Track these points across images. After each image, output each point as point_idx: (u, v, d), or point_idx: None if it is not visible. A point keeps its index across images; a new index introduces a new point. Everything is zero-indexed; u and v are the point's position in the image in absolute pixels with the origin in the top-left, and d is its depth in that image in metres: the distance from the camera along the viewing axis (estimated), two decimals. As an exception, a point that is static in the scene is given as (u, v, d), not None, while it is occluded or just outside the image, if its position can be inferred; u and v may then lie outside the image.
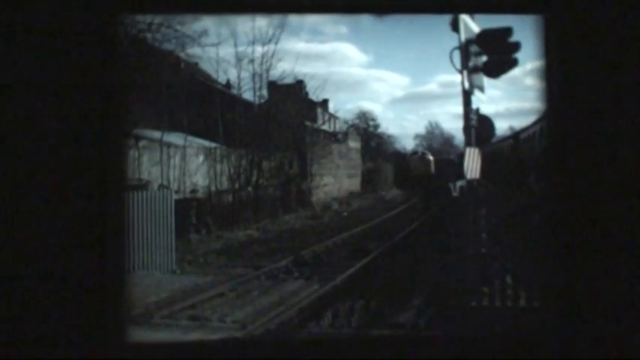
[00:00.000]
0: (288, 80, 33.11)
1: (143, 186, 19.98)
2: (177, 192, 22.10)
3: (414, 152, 51.36)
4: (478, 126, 14.36)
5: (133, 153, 21.46)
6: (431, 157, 48.69)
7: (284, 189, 31.08)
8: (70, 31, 2.21)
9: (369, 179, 47.84)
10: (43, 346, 2.19)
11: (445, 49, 14.18)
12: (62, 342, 2.19)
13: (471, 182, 13.30)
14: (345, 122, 52.89)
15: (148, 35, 23.77)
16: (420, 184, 41.20)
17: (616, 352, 2.28)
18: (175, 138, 25.54)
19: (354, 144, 46.76)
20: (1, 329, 2.18)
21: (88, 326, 2.21)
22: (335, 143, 41.63)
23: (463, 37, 13.54)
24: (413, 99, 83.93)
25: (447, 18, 13.67)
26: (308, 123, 36.29)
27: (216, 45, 37.62)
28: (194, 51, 28.87)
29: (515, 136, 30.13)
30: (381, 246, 19.11)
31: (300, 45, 59.90)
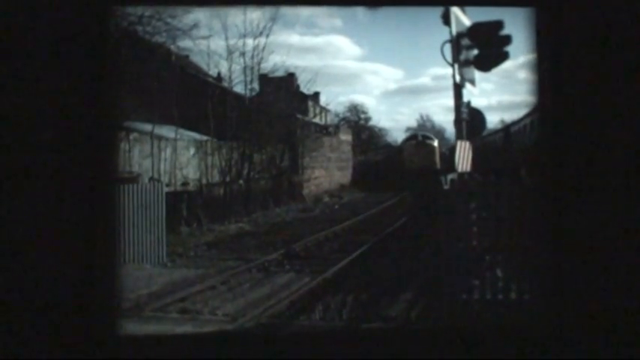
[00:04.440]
0: (280, 73, 33.08)
1: (134, 179, 19.93)
2: (168, 185, 22.07)
3: (411, 137, 43.10)
4: (469, 119, 14.39)
5: (123, 145, 21.38)
6: (435, 143, 40.61)
7: (275, 182, 31.07)
8: (62, 23, 2.20)
9: (360, 172, 46.80)
10: (34, 338, 2.18)
11: (438, 43, 14.19)
12: (53, 334, 2.19)
13: (462, 175, 13.33)
14: (337, 115, 52.87)
15: (139, 28, 23.67)
16: (418, 184, 29.86)
17: (606, 345, 2.29)
18: (166, 130, 25.47)
19: (345, 137, 46.61)
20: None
21: (79, 319, 2.20)
22: (326, 136, 41.55)
23: (454, 30, 13.55)
24: (405, 92, 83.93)
25: (440, 11, 13.67)
26: (299, 116, 36.28)
27: (208, 38, 37.52)
28: (185, 43, 28.83)
29: (506, 129, 30.17)
30: (372, 239, 19.12)
31: (294, 38, 59.83)
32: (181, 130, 26.43)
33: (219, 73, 32.97)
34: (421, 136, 41.58)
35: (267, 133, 30.73)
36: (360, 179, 42.55)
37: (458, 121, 14.33)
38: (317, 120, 43.11)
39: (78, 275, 2.21)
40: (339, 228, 21.96)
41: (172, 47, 27.19)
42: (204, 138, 27.93)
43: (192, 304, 11.66)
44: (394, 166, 39.23)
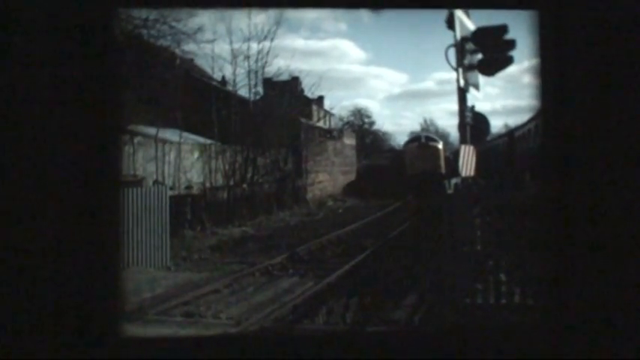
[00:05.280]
0: (284, 77, 33.16)
1: (138, 182, 19.96)
2: (171, 188, 22.07)
3: (414, 138, 38.87)
4: (473, 123, 14.39)
5: (127, 149, 21.41)
6: (440, 145, 36.79)
7: (279, 186, 31.07)
8: (66, 26, 2.20)
9: (364, 176, 46.20)
10: (38, 341, 2.19)
11: (443, 47, 14.20)
12: (58, 337, 2.19)
13: (465, 180, 13.31)
14: (341, 119, 52.95)
15: (144, 31, 23.74)
16: (420, 190, 26.44)
17: (608, 349, 2.29)
18: (170, 134, 25.49)
19: (349, 141, 46.59)
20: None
21: (83, 321, 2.20)
22: (330, 140, 41.51)
23: (458, 34, 13.55)
24: (410, 96, 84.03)
25: (444, 15, 13.67)
26: (303, 120, 36.29)
27: (212, 41, 37.55)
28: (189, 47, 28.94)
29: (510, 133, 30.14)
30: (375, 243, 19.11)
31: (298, 42, 59.95)
32: (185, 134, 26.46)
33: (223, 77, 33.05)
34: (424, 137, 37.82)
35: (271, 137, 30.76)
36: (363, 184, 40.78)
37: (462, 126, 14.31)
38: (321, 124, 43.09)
39: (81, 278, 2.21)
40: (343, 232, 21.96)
41: (177, 51, 27.26)
42: (208, 141, 27.95)
43: (196, 308, 11.65)
44: (397, 171, 36.74)
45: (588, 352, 2.27)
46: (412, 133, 52.20)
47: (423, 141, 36.36)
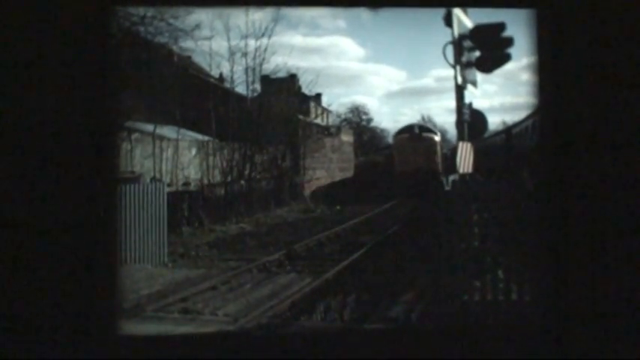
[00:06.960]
0: (282, 74, 33.07)
1: (135, 179, 19.92)
2: (169, 185, 22.04)
3: (405, 129, 33.42)
4: (471, 120, 14.40)
5: (125, 145, 21.38)
6: (437, 138, 32.12)
7: (277, 182, 31.04)
8: (64, 23, 2.20)
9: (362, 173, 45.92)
10: (35, 338, 2.18)
11: (441, 44, 14.20)
12: (55, 334, 2.19)
13: (463, 176, 13.33)
14: (338, 116, 52.76)
15: (141, 28, 23.66)
16: (412, 190, 26.22)
17: (604, 346, 2.29)
18: (168, 131, 25.46)
19: (346, 138, 46.43)
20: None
21: (80, 319, 2.20)
22: (328, 137, 41.40)
23: (456, 32, 13.56)
24: (408, 93, 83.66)
25: (442, 12, 13.67)
26: (301, 117, 36.23)
27: (210, 38, 37.45)
28: (187, 44, 28.88)
29: (508, 130, 30.09)
30: (372, 240, 19.11)
31: (297, 38, 59.68)
32: (183, 131, 26.42)
33: (221, 74, 32.98)
34: (418, 127, 32.60)
35: (268, 134, 30.73)
36: (360, 182, 39.19)
37: (459, 123, 14.32)
38: (319, 121, 42.97)
39: (79, 275, 2.21)
40: (340, 229, 21.95)
41: (174, 48, 27.18)
42: (206, 138, 27.92)
43: (193, 305, 11.65)
44: (390, 168, 33.40)
45: (588, 352, 2.27)
46: (409, 128, 48.29)
47: (416, 132, 31.94)
